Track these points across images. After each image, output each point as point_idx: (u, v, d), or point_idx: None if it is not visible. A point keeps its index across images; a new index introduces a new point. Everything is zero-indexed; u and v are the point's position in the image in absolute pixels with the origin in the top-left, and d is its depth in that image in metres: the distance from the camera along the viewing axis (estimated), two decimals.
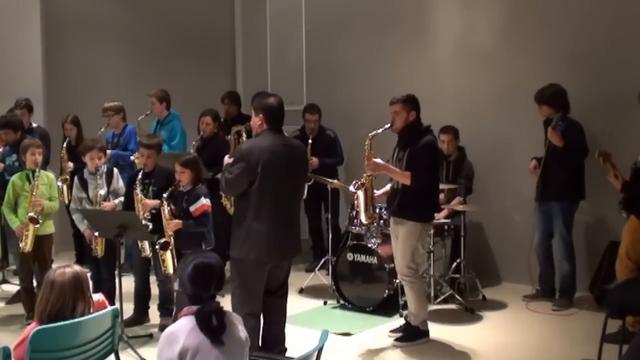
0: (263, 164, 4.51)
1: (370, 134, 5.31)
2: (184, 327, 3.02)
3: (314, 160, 7.28)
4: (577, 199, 6.24)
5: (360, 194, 5.38)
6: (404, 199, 5.28)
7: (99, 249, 5.85)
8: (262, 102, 4.71)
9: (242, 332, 3.18)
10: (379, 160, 5.30)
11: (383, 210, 6.38)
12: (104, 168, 5.99)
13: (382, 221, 6.37)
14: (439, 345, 5.42)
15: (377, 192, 5.56)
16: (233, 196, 4.97)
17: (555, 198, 6.18)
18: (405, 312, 5.97)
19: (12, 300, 6.61)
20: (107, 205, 5.88)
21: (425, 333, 5.48)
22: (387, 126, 5.33)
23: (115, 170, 6.18)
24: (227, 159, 4.81)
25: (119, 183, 6.08)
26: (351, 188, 5.46)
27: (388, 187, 5.55)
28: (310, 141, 7.30)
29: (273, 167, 4.54)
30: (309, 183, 7.08)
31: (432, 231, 6.12)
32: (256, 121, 4.71)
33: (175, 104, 7.56)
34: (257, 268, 4.62)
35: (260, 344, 4.72)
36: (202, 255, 3.23)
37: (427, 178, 5.22)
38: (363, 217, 5.52)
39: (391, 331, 5.64)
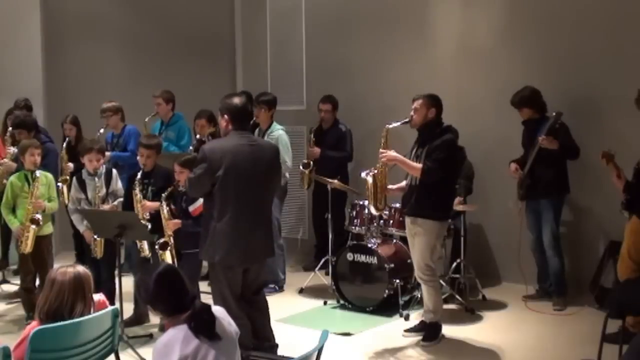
0: (225, 165, 4.49)
1: (387, 126, 5.33)
2: (176, 337, 2.99)
3: (316, 150, 7.30)
4: (564, 194, 6.30)
5: (370, 180, 5.36)
6: (420, 197, 5.28)
7: (98, 250, 5.84)
8: (227, 102, 4.70)
9: (231, 325, 3.18)
10: (392, 152, 5.30)
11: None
12: (103, 169, 5.99)
13: (382, 221, 6.38)
14: (439, 345, 5.41)
15: (392, 187, 5.53)
16: (198, 196, 4.97)
17: (544, 196, 6.21)
18: (405, 312, 5.99)
19: (13, 300, 6.60)
20: (106, 207, 5.87)
21: (441, 327, 5.53)
22: (405, 120, 5.35)
23: (114, 171, 6.17)
24: None
25: (118, 184, 6.08)
26: (362, 175, 5.45)
27: (404, 183, 5.53)
28: (313, 131, 7.40)
29: (236, 168, 4.52)
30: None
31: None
32: (222, 123, 4.72)
33: (175, 104, 7.57)
34: (226, 270, 4.60)
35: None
36: (147, 271, 3.23)
37: (438, 173, 5.19)
38: (372, 208, 5.48)
39: (406, 330, 5.64)
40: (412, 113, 5.36)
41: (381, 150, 5.33)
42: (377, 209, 5.48)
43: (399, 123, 5.35)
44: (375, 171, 5.37)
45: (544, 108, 6.22)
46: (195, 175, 4.59)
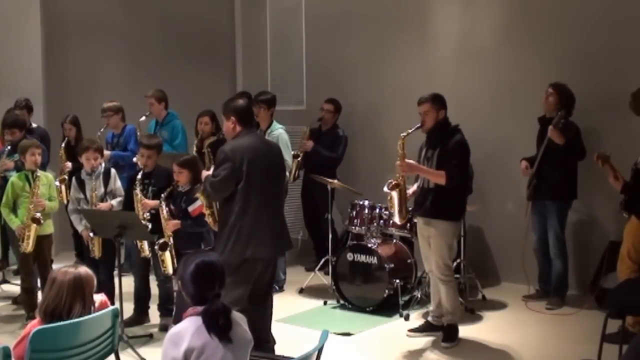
0: (248, 162, 4.57)
1: (402, 134, 5.24)
2: (189, 327, 3.02)
3: (309, 143, 7.35)
4: (571, 198, 6.28)
5: (395, 194, 5.27)
6: (438, 199, 5.24)
7: (96, 250, 5.84)
8: (231, 105, 4.78)
9: (247, 332, 3.20)
10: (411, 162, 5.25)
11: (383, 210, 6.40)
12: (101, 168, 5.99)
13: (382, 221, 6.38)
14: (439, 345, 5.41)
15: (409, 192, 5.48)
16: (219, 199, 4.86)
17: (550, 197, 6.19)
18: (405, 312, 6.00)
19: (16, 300, 6.58)
20: (103, 205, 5.88)
21: (458, 329, 5.52)
22: (418, 126, 5.30)
23: (113, 170, 6.17)
24: (205, 173, 4.86)
25: (117, 183, 6.08)
26: (385, 189, 5.33)
27: (415, 186, 5.50)
28: (310, 128, 7.47)
29: (257, 165, 4.61)
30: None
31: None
32: (229, 125, 4.74)
33: (175, 104, 7.56)
34: (249, 266, 4.62)
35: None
36: (202, 254, 3.25)
37: (461, 177, 5.21)
38: (397, 218, 5.41)
39: (410, 330, 5.62)
40: (422, 117, 5.29)
41: (399, 163, 5.22)
42: (403, 219, 5.43)
43: (412, 130, 5.26)
44: (399, 183, 5.25)
45: (570, 109, 6.11)
46: (220, 177, 4.59)
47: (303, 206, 7.91)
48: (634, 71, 6.18)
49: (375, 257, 6.16)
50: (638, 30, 6.27)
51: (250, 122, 4.83)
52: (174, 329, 3.06)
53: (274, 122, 6.89)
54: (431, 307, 5.65)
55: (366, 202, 6.50)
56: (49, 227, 6.05)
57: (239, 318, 3.19)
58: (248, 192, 4.59)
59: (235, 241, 4.58)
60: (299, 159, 7.21)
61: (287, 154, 6.76)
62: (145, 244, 5.71)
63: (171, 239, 5.52)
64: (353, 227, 6.57)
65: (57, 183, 6.51)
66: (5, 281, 7.20)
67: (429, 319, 5.62)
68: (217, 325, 3.02)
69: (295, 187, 8.01)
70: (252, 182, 4.59)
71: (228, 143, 4.77)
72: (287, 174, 6.90)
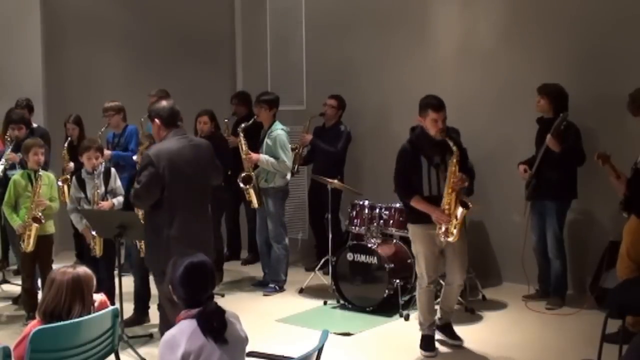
0: (171, 167, 4.44)
1: (454, 149, 5.00)
2: (185, 331, 3.00)
3: (307, 137, 7.43)
4: (570, 198, 6.27)
5: (460, 211, 4.98)
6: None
7: (97, 249, 5.85)
8: (154, 107, 4.71)
9: (242, 331, 3.19)
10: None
11: (383, 210, 6.41)
12: (102, 168, 5.99)
13: (382, 221, 6.38)
14: (438, 345, 5.40)
15: None
16: (144, 208, 4.79)
17: (549, 197, 6.18)
18: (405, 312, 6.00)
19: (16, 300, 6.58)
20: (105, 204, 5.88)
21: None
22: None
23: (113, 169, 6.18)
24: None
25: (117, 182, 6.08)
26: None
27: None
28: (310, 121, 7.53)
29: (182, 169, 4.48)
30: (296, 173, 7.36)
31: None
32: (154, 129, 4.70)
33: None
34: None
35: None
36: (190, 256, 3.21)
37: None
38: (454, 237, 5.01)
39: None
40: (442, 124, 5.07)
41: (452, 177, 4.98)
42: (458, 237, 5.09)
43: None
44: (465, 201, 4.99)
45: (565, 110, 6.07)
46: (142, 184, 4.46)
47: (309, 206, 7.91)
48: (633, 71, 6.17)
49: (375, 257, 6.16)
50: (637, 30, 6.27)
51: (175, 123, 4.68)
52: (169, 333, 3.03)
53: (276, 122, 6.88)
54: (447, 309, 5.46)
55: (366, 202, 6.50)
56: (50, 228, 6.05)
57: (233, 317, 3.18)
58: (173, 198, 4.46)
59: (161, 252, 4.43)
60: (296, 151, 7.24)
61: (286, 155, 6.74)
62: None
63: None
64: (353, 227, 6.58)
65: (60, 183, 6.52)
66: (5, 281, 7.20)
67: (448, 320, 5.47)
68: (213, 327, 3.00)
69: (296, 187, 8.01)
70: (178, 189, 4.46)
71: (152, 147, 4.67)
72: (288, 176, 6.92)
